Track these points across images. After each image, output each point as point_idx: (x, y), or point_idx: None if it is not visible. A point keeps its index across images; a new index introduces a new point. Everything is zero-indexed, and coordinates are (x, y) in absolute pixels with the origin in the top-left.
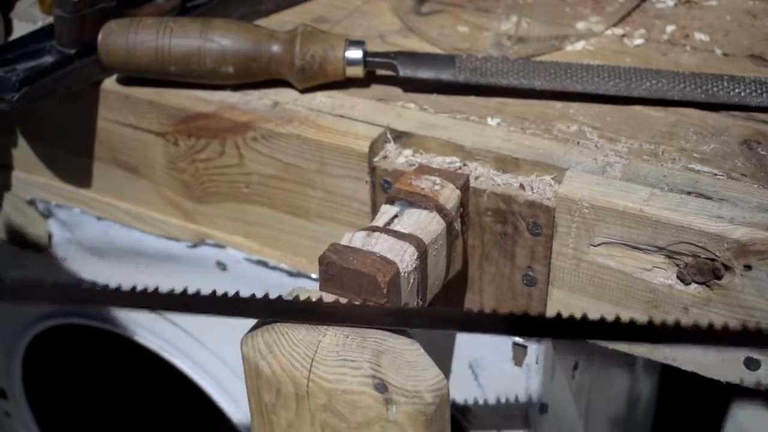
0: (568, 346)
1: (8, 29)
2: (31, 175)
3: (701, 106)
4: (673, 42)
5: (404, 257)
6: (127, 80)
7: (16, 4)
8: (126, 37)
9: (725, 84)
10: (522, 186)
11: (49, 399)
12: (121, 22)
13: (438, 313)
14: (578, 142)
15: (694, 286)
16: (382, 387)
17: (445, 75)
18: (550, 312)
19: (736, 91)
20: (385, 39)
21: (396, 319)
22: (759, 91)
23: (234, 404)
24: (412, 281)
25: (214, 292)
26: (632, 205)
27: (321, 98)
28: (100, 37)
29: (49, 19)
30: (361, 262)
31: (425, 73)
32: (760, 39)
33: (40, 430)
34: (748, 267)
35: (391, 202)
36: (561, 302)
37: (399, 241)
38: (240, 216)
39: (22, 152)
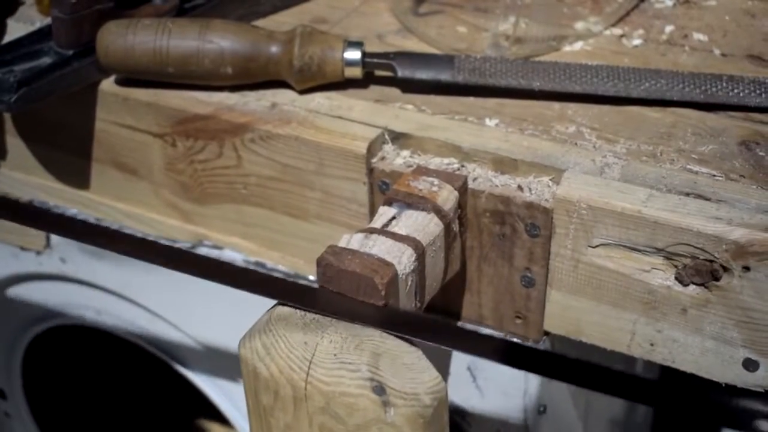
0: (567, 346)
1: (2, 32)
2: (29, 176)
3: (700, 106)
4: (672, 42)
5: (402, 259)
6: (125, 81)
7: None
8: (124, 38)
9: (724, 84)
10: (520, 187)
11: (49, 399)
12: (120, 23)
13: (435, 325)
14: (576, 143)
15: (692, 287)
16: (379, 389)
17: (444, 75)
18: (549, 313)
19: (735, 91)
20: (383, 39)
21: (389, 324)
22: (758, 92)
23: (233, 404)
24: (410, 283)
25: (225, 262)
26: (630, 206)
27: (319, 99)
28: (98, 38)
29: (47, 20)
30: (358, 263)
31: (424, 74)
32: (758, 39)
33: (40, 431)
34: (747, 268)
35: (389, 203)
36: (559, 303)
37: (397, 243)
38: (238, 217)
39: (20, 153)
